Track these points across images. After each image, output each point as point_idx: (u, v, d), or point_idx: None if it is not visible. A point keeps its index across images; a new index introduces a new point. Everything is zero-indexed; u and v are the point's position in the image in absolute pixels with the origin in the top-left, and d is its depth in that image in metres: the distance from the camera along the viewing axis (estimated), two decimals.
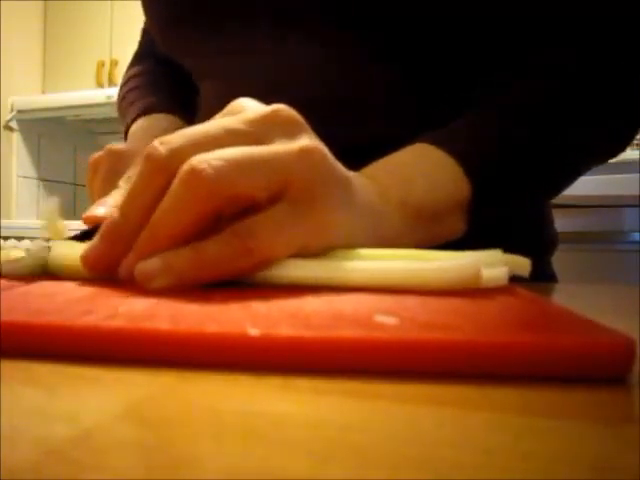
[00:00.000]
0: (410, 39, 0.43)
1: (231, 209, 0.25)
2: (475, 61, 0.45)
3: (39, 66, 2.62)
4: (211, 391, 0.14)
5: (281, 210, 0.26)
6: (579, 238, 1.41)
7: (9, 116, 2.47)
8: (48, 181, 2.65)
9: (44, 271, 0.29)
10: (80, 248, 0.28)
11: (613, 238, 1.48)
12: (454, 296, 0.23)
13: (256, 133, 0.26)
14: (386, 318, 0.18)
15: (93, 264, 0.26)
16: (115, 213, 0.26)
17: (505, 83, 0.43)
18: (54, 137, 2.66)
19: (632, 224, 1.46)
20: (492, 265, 0.26)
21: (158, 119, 0.55)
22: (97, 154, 0.45)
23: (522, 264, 0.27)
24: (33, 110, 2.47)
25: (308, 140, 0.27)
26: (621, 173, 1.39)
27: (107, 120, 2.54)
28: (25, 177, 2.55)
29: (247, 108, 0.28)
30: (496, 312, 0.20)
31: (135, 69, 0.63)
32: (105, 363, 0.16)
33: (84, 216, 0.36)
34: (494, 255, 0.26)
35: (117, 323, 0.17)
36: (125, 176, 0.41)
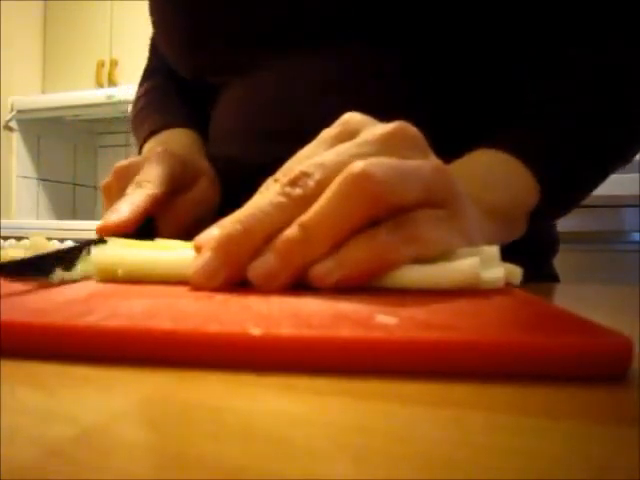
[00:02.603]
0: (430, 54, 0.43)
1: (381, 216, 0.25)
2: (495, 78, 0.46)
3: (39, 66, 2.61)
4: (211, 391, 0.14)
5: (433, 212, 0.26)
6: (579, 238, 1.41)
7: (9, 116, 2.47)
8: (48, 181, 2.65)
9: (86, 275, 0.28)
10: (121, 247, 0.27)
11: (613, 238, 1.48)
12: (452, 296, 0.23)
13: (387, 152, 0.26)
14: (386, 318, 0.18)
15: (207, 279, 0.25)
16: (234, 227, 0.25)
17: (547, 84, 0.44)
18: (54, 137, 2.66)
19: (632, 224, 1.46)
20: (490, 265, 0.26)
21: (177, 134, 0.55)
22: (107, 179, 0.44)
23: (514, 272, 0.28)
24: (33, 110, 2.47)
25: (435, 158, 0.28)
26: (621, 173, 1.39)
27: (107, 120, 2.54)
28: (25, 177, 2.55)
29: (365, 125, 0.28)
30: (494, 312, 0.20)
31: (146, 85, 0.64)
32: (105, 363, 0.16)
33: (97, 228, 0.36)
34: (491, 253, 0.27)
35: (118, 323, 0.17)
36: (134, 182, 0.40)
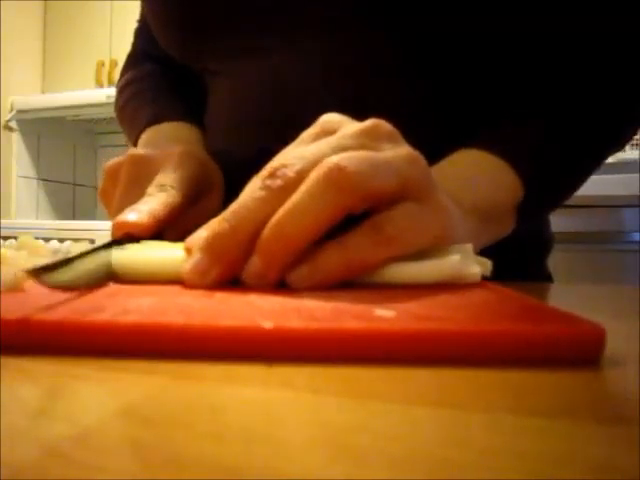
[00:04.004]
0: (431, 44, 0.43)
1: (357, 209, 0.25)
2: (500, 74, 0.46)
3: (39, 66, 2.61)
4: (210, 391, 0.14)
5: (410, 207, 0.26)
6: (579, 238, 1.41)
7: (9, 116, 2.47)
8: (48, 181, 2.65)
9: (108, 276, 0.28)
10: (140, 249, 0.27)
11: (613, 238, 1.48)
12: (438, 291, 0.24)
13: (365, 145, 0.27)
14: (385, 312, 0.19)
15: (200, 278, 0.25)
16: (220, 226, 0.25)
17: (535, 86, 0.44)
18: (54, 137, 2.66)
19: (632, 224, 1.46)
20: (466, 260, 0.27)
21: (181, 129, 0.53)
22: (115, 160, 0.42)
23: (485, 265, 0.29)
24: (33, 110, 2.47)
25: (410, 148, 0.28)
26: (621, 173, 1.39)
27: (107, 120, 2.54)
28: (25, 177, 2.55)
29: (343, 124, 0.29)
30: (480, 305, 0.22)
31: (133, 73, 0.61)
32: (105, 363, 0.16)
33: (115, 222, 0.35)
34: (466, 249, 0.28)
35: (132, 318, 0.17)
36: (156, 183, 0.39)
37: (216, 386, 0.14)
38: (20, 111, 2.46)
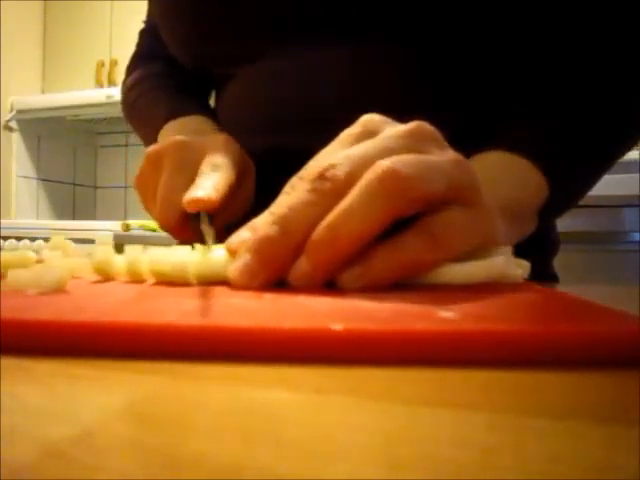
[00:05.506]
0: (447, 49, 0.44)
1: (409, 212, 0.25)
2: (510, 75, 0.46)
3: (39, 66, 2.61)
4: (210, 391, 0.14)
5: (460, 210, 0.26)
6: (579, 238, 1.41)
7: (9, 116, 2.47)
8: (48, 181, 2.65)
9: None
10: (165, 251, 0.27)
11: (613, 238, 1.48)
12: (488, 291, 0.24)
13: (411, 147, 0.27)
14: (447, 313, 0.18)
15: (249, 280, 0.25)
16: (270, 229, 0.25)
17: (548, 83, 0.45)
18: (54, 137, 2.66)
19: (632, 224, 1.46)
20: (510, 262, 0.28)
21: (198, 120, 0.53)
22: (157, 146, 0.42)
23: (524, 266, 0.29)
24: (33, 110, 2.47)
25: (454, 151, 0.28)
26: (621, 173, 1.39)
27: (107, 120, 2.54)
28: (24, 177, 2.55)
29: (385, 124, 0.29)
30: (534, 305, 0.22)
31: (143, 70, 0.61)
32: (105, 363, 0.16)
33: (186, 200, 0.35)
34: (507, 250, 0.28)
35: (203, 321, 0.17)
36: (208, 162, 0.39)
37: (216, 386, 0.14)
38: (20, 111, 2.47)
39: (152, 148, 0.42)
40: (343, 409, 0.13)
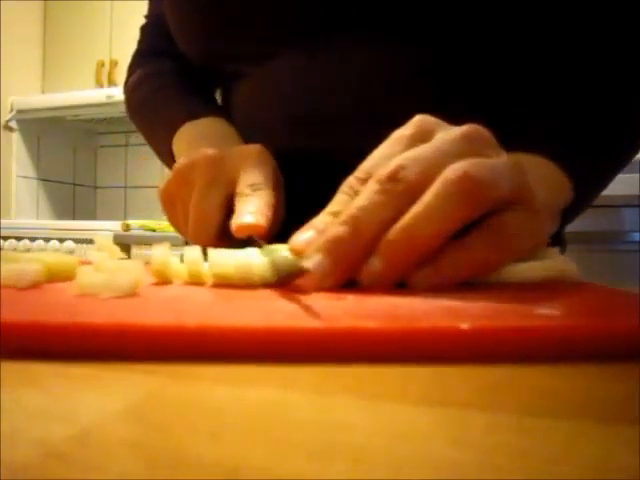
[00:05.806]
0: (462, 50, 0.43)
1: (479, 214, 0.26)
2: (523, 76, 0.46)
3: (39, 66, 2.61)
4: (210, 391, 0.14)
5: (522, 212, 0.27)
6: (579, 238, 1.41)
7: (9, 116, 2.47)
8: (47, 181, 2.65)
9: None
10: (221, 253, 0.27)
11: (613, 238, 1.47)
12: (559, 289, 0.26)
13: (474, 151, 0.27)
14: (545, 310, 0.19)
15: (321, 280, 0.25)
16: (341, 229, 0.25)
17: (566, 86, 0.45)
18: (54, 137, 2.65)
19: (632, 224, 1.46)
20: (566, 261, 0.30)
21: (216, 124, 0.51)
22: (186, 161, 0.41)
23: (571, 264, 0.31)
24: (33, 110, 2.47)
25: (507, 155, 0.29)
26: (621, 173, 1.39)
27: (107, 120, 2.54)
28: (24, 177, 2.55)
29: (439, 126, 0.29)
30: (611, 301, 0.23)
31: (149, 68, 0.59)
32: (105, 363, 0.16)
33: (235, 227, 0.35)
34: (554, 252, 0.30)
35: (304, 325, 0.17)
36: (246, 183, 0.38)
37: (216, 386, 0.14)
38: (20, 111, 2.46)
39: (182, 162, 0.41)
40: (343, 409, 0.13)
